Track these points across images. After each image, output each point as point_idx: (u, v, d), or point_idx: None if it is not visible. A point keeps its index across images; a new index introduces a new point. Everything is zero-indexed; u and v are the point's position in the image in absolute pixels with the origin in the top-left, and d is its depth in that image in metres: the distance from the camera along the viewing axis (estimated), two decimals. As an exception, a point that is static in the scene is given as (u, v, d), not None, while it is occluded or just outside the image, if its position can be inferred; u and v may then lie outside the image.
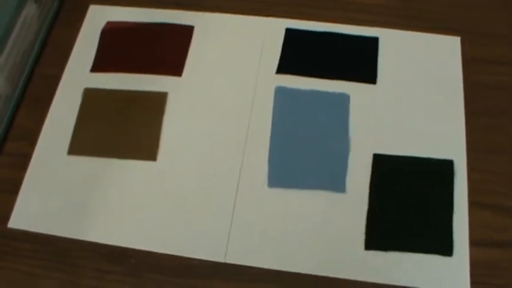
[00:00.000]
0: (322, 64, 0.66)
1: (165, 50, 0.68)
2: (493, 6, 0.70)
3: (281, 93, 0.64)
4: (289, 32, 0.68)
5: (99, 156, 0.62)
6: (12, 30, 0.63)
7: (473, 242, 0.56)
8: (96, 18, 0.71)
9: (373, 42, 0.67)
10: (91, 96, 0.66)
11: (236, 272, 0.56)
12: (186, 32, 0.69)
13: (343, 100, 0.64)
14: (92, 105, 0.65)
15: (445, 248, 0.56)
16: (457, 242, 0.56)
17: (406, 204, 0.58)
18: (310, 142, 0.61)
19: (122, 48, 0.69)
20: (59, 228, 0.58)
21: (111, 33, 0.70)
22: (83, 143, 0.63)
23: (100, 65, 0.68)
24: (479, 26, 0.68)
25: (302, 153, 0.61)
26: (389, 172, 0.60)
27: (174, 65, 0.67)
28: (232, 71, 0.66)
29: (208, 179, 0.60)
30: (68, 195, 0.60)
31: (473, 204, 0.58)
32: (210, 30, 0.69)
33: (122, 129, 0.63)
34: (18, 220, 0.59)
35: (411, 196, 0.58)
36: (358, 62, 0.66)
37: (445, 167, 0.60)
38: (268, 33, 0.69)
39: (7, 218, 0.59)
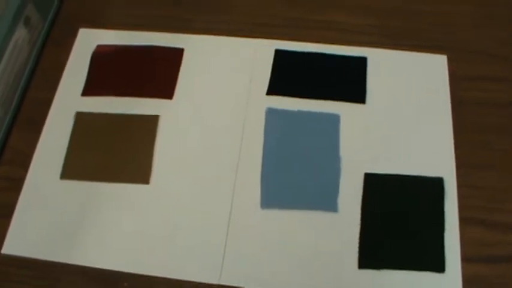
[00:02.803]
0: (312, 85, 0.67)
1: (156, 73, 0.68)
2: (478, 25, 0.71)
3: (272, 115, 0.65)
4: (279, 53, 0.69)
5: (92, 180, 0.62)
6: (4, 54, 0.63)
7: (465, 258, 0.57)
8: (86, 42, 0.72)
9: (362, 62, 0.68)
10: (83, 120, 0.66)
11: (231, 294, 0.56)
12: (176, 54, 0.70)
13: (333, 120, 0.64)
14: (84, 129, 0.65)
15: (437, 264, 0.56)
16: (449, 258, 0.57)
17: (398, 222, 0.59)
18: (301, 163, 0.62)
19: (112, 71, 0.69)
20: (53, 253, 0.58)
21: (102, 57, 0.70)
22: (76, 167, 0.63)
23: (91, 88, 0.68)
24: (465, 44, 0.69)
25: (294, 174, 0.61)
26: (381, 191, 0.60)
27: (165, 88, 0.67)
28: (223, 93, 0.67)
29: (201, 201, 0.60)
30: (62, 219, 0.60)
31: (464, 220, 0.59)
32: (200, 53, 0.70)
33: (114, 153, 0.63)
34: (11, 246, 0.59)
35: (403, 214, 0.59)
36: (348, 82, 0.67)
37: (435, 185, 0.60)
38: (258, 54, 0.69)
39: (0, 243, 0.59)
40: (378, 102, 0.65)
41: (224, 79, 0.68)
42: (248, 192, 0.61)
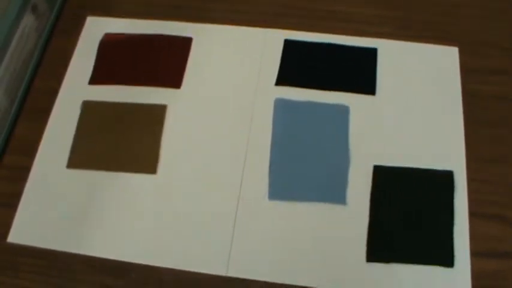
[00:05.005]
0: (321, 75, 0.66)
1: (164, 62, 0.68)
2: (491, 17, 0.70)
3: (281, 105, 0.64)
4: (288, 43, 0.69)
5: (99, 169, 0.62)
6: (11, 42, 0.63)
7: (474, 253, 0.56)
8: (93, 30, 0.71)
9: (372, 53, 0.67)
10: (90, 109, 0.65)
11: (238, 286, 0.56)
12: (185, 43, 0.69)
13: (342, 112, 0.64)
14: (91, 117, 0.65)
15: (446, 259, 0.56)
16: (458, 253, 0.56)
17: (406, 215, 0.58)
18: (310, 154, 0.61)
19: (120, 60, 0.69)
20: (59, 243, 0.58)
21: (109, 45, 0.70)
22: (82, 156, 0.63)
23: (98, 77, 0.68)
24: (476, 36, 0.69)
25: (302, 166, 0.61)
26: (390, 184, 0.60)
27: (172, 77, 0.67)
28: (231, 83, 0.66)
29: (208, 191, 0.60)
30: (68, 209, 0.60)
31: (473, 214, 0.58)
32: (209, 42, 0.69)
33: (121, 142, 0.63)
34: (17, 235, 0.59)
35: (412, 207, 0.58)
36: (357, 73, 0.66)
37: (445, 178, 0.60)
38: (267, 44, 0.69)
39: (6, 232, 0.59)
40: (388, 94, 0.65)
41: (233, 69, 0.67)
42: (256, 183, 0.60)
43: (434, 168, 0.60)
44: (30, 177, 0.62)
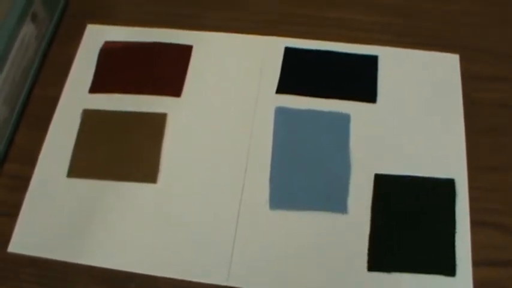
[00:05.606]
0: (322, 83, 0.66)
1: (164, 70, 0.68)
2: (492, 24, 0.70)
3: (281, 114, 0.64)
4: (289, 51, 0.68)
5: (99, 178, 0.62)
6: (10, 51, 0.63)
7: (476, 262, 0.56)
8: (93, 38, 0.71)
9: (373, 60, 0.67)
10: (90, 118, 0.65)
11: (239, 295, 0.56)
12: (185, 51, 0.69)
13: (343, 120, 0.63)
14: (91, 126, 0.65)
15: (448, 268, 0.56)
16: (459, 262, 0.56)
17: (408, 224, 0.58)
18: (311, 163, 0.61)
19: (120, 68, 0.68)
20: (59, 253, 0.58)
21: (109, 54, 0.70)
22: (83, 165, 0.62)
23: (99, 85, 0.67)
24: (478, 43, 0.68)
25: (303, 174, 0.60)
26: (391, 192, 0.59)
27: (173, 86, 0.67)
28: (231, 91, 0.66)
29: (209, 201, 0.60)
30: (68, 218, 0.60)
31: (475, 223, 0.58)
32: (209, 50, 0.69)
33: (122, 151, 0.63)
34: (18, 244, 0.59)
35: (413, 216, 0.58)
36: (358, 80, 0.66)
37: (447, 186, 0.59)
38: (268, 52, 0.68)
39: (7, 242, 0.59)
40: (389, 102, 0.65)
41: (233, 77, 0.67)
42: (257, 192, 0.60)
43: (436, 176, 0.60)
44: (31, 186, 0.62)
